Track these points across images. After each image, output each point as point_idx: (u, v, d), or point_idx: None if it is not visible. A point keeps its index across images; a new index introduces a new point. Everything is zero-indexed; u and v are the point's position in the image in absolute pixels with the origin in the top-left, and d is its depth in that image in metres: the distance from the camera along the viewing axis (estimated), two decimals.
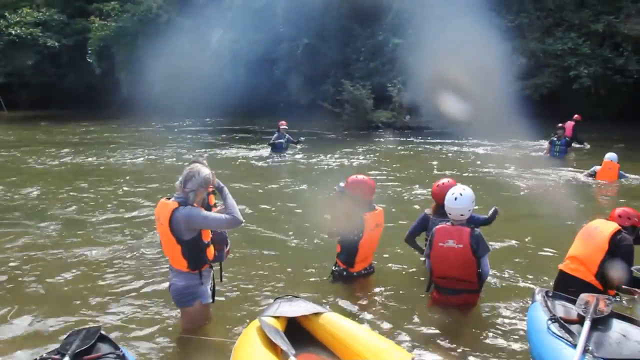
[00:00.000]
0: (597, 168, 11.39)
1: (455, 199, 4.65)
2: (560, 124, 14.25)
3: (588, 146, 15.77)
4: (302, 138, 15.76)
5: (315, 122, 21.57)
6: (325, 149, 15.77)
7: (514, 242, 6.83)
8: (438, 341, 4.30)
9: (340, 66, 26.86)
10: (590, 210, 8.66)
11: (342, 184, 5.19)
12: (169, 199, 4.04)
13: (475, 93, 21.52)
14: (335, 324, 3.57)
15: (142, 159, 14.72)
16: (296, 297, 3.96)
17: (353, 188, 5.13)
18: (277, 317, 3.60)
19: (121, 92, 30.90)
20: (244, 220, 4.08)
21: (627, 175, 11.22)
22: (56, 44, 34.97)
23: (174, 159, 14.33)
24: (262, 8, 28.13)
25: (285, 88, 26.60)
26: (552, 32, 22.14)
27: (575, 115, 16.15)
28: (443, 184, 5.49)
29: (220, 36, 29.38)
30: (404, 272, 5.84)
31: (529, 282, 5.47)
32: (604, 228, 4.61)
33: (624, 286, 4.49)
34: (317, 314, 3.66)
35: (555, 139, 13.91)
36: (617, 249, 4.46)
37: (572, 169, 12.58)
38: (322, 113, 24.17)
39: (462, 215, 4.64)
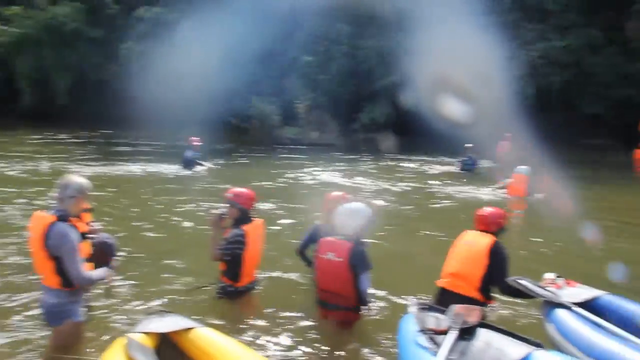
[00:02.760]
0: (509, 181, 11.68)
1: (345, 212, 4.70)
2: (469, 145, 15.01)
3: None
4: (208, 163, 15.34)
5: (224, 138, 21.40)
6: (235, 165, 15.70)
7: (403, 254, 7.00)
8: (309, 357, 4.31)
9: (250, 82, 26.90)
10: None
11: (222, 207, 5.17)
12: (47, 211, 3.88)
13: (386, 110, 22.08)
14: (207, 339, 3.52)
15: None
16: (169, 312, 3.87)
17: (236, 199, 5.15)
18: (147, 334, 3.50)
19: (22, 102, 29.48)
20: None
21: (535, 191, 11.41)
22: None
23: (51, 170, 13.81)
24: (174, 20, 27.74)
25: (193, 103, 26.25)
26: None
27: (508, 134, 16.74)
28: (335, 196, 5.59)
29: (128, 47, 28.74)
30: (291, 286, 5.86)
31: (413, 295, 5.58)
32: (479, 242, 4.66)
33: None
34: (189, 330, 3.58)
35: (466, 157, 14.87)
36: (495, 261, 4.55)
37: (484, 184, 13.03)
38: (229, 128, 24.02)
39: (348, 229, 4.64)
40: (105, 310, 5.01)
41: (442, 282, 4.77)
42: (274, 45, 27.55)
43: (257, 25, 26.12)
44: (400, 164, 16.87)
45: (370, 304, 4.79)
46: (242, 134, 22.63)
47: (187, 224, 8.76)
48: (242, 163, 16.37)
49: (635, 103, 23.74)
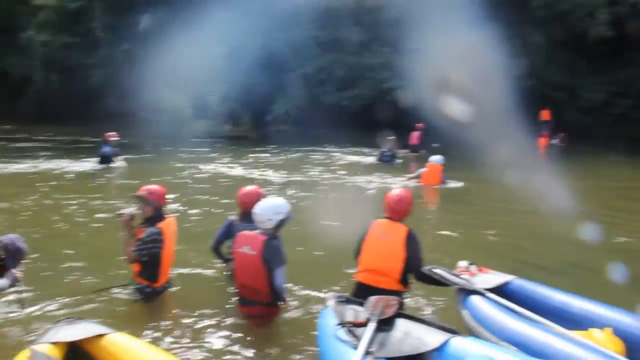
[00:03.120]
0: (423, 170, 11.89)
1: (263, 207, 4.65)
2: (389, 137, 15.22)
3: (438, 144, 16.49)
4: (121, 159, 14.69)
5: (135, 132, 20.64)
6: (143, 161, 15.15)
7: (320, 251, 6.89)
8: (232, 355, 4.20)
9: (161, 74, 26.06)
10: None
11: (130, 209, 4.96)
12: None
13: (298, 102, 22.14)
14: (122, 345, 3.33)
15: None
16: (79, 318, 3.62)
17: (150, 197, 4.96)
18: (54, 344, 3.25)
19: None
20: None
21: (448, 179, 11.82)
22: None
23: None
24: (78, 10, 26.48)
25: (103, 96, 25.21)
26: (369, 46, 23.45)
27: (419, 124, 17.22)
28: (248, 190, 5.51)
29: (29, 37, 27.14)
30: (207, 284, 5.72)
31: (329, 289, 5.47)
32: (394, 234, 4.65)
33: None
34: (101, 336, 3.37)
35: (385, 149, 15.07)
36: (411, 251, 4.60)
37: (398, 174, 13.24)
38: (141, 122, 23.17)
39: (267, 224, 4.61)
40: (5, 320, 4.64)
41: (360, 277, 4.73)
42: (184, 36, 26.88)
43: None
44: (312, 156, 16.85)
45: (287, 299, 4.76)
46: (153, 127, 21.89)
47: (93, 224, 8.36)
48: (150, 158, 15.80)
49: (535, 94, 25.04)
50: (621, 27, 22.92)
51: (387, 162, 15.13)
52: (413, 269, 4.62)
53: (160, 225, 4.90)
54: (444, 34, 22.80)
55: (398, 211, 4.76)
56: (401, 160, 15.74)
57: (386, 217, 4.80)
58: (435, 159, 11.82)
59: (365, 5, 24.41)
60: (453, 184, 11.86)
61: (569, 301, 4.16)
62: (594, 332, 3.68)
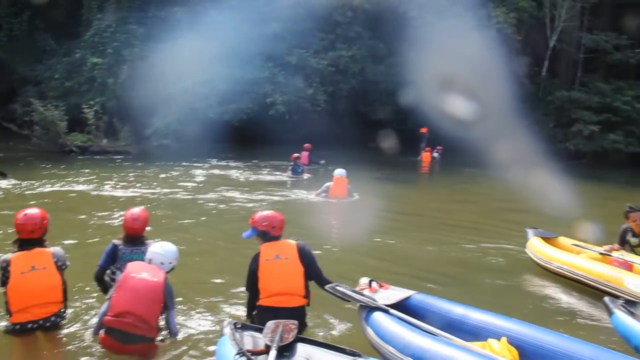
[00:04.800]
0: (329, 184, 11.91)
1: (165, 248, 4.56)
2: (296, 154, 15.54)
3: (324, 161, 17.36)
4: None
5: (1, 145, 18.96)
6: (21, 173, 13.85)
7: (217, 278, 6.50)
8: None
9: (31, 84, 24.34)
10: (322, 226, 9.24)
11: None
12: None
13: (180, 116, 21.50)
14: None
15: None
16: None
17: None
18: None
19: None
20: None
21: (354, 192, 11.92)
22: None
23: None
24: None
25: None
26: (252, 60, 23.21)
27: (306, 145, 17.45)
28: (136, 213, 5.13)
29: None
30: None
31: (225, 316, 5.21)
32: (286, 252, 4.58)
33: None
34: None
35: (295, 165, 15.33)
36: (307, 263, 4.58)
37: (307, 190, 13.13)
38: (8, 135, 21.37)
39: (163, 263, 4.48)
40: None
41: (268, 302, 4.53)
42: (59, 45, 25.33)
43: None
44: (195, 171, 16.23)
45: (179, 333, 4.55)
46: (24, 142, 20.25)
47: None
48: (19, 175, 14.36)
49: (414, 110, 26.12)
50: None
51: (295, 177, 15.12)
52: (315, 277, 4.64)
53: (12, 255, 4.43)
54: (323, 51, 23.23)
55: (279, 227, 4.70)
56: (309, 176, 15.75)
57: (270, 238, 4.67)
58: (340, 172, 11.90)
59: (249, 19, 24.34)
60: (357, 197, 11.98)
61: (467, 313, 4.25)
62: (491, 342, 3.80)
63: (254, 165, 17.65)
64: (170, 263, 4.51)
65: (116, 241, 5.10)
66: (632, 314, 4.28)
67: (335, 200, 11.73)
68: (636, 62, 26.49)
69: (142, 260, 4.54)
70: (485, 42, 24.55)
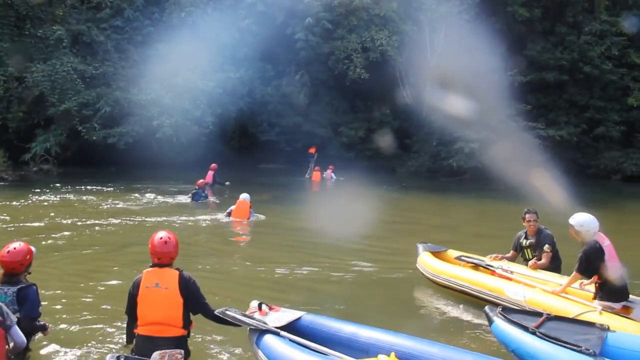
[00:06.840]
0: (233, 207, 12.40)
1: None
2: (201, 180, 15.51)
3: (228, 183, 17.60)
4: None
5: None
6: None
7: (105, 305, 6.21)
8: None
9: None
10: (224, 247, 9.34)
11: None
12: None
13: (61, 139, 20.32)
14: None
15: None
16: None
17: None
18: None
19: None
20: None
21: (256, 214, 12.48)
22: None
23: None
24: None
25: None
26: (137, 82, 22.44)
27: (212, 165, 17.61)
28: (14, 249, 4.66)
29: None
30: None
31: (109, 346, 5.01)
32: (166, 282, 4.37)
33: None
34: None
35: (198, 189, 15.19)
36: (188, 294, 4.36)
37: (213, 211, 13.42)
38: None
39: None
40: None
41: (143, 330, 4.34)
42: None
43: None
44: (85, 197, 15.34)
45: None
46: None
47: None
48: None
49: (303, 130, 26.53)
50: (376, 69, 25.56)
51: (198, 201, 14.94)
52: (199, 309, 4.44)
53: None
54: (211, 72, 23.02)
55: (165, 255, 4.46)
56: (212, 199, 15.71)
57: (154, 265, 4.47)
58: (244, 196, 12.52)
59: (133, 40, 23.65)
60: (261, 217, 12.59)
61: (357, 331, 4.32)
62: (381, 358, 3.84)
63: (139, 188, 16.85)
64: None
65: None
66: (508, 320, 4.55)
67: (238, 222, 12.23)
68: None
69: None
70: (370, 64, 25.61)
